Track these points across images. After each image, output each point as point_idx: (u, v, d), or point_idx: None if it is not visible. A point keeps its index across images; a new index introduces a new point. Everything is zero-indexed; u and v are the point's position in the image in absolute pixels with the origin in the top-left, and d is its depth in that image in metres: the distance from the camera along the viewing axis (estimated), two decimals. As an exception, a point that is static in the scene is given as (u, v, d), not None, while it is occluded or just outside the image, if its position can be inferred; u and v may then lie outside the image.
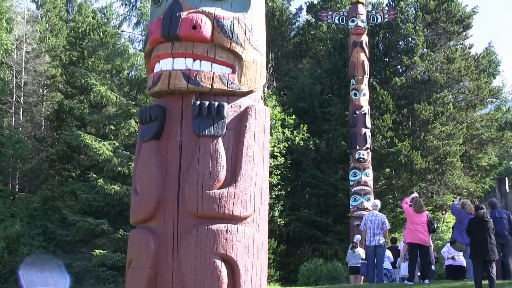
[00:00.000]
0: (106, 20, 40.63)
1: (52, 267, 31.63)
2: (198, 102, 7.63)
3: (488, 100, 42.68)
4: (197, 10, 7.80)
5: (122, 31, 40.14)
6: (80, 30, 41.59)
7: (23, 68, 41.95)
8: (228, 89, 7.80)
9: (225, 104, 7.70)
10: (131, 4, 39.42)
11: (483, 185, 42.18)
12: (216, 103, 7.64)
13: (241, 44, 7.84)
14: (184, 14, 7.72)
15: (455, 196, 33.56)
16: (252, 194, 7.59)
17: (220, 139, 7.57)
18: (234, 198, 7.44)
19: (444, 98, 38.81)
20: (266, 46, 8.68)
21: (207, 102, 7.62)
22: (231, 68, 7.85)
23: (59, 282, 30.94)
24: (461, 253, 19.96)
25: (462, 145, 38.33)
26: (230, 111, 7.77)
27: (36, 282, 30.01)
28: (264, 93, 34.40)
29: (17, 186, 40.80)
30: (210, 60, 7.76)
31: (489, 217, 15.78)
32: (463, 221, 17.59)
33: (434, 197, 39.30)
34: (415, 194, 19.64)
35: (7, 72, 40.86)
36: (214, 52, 7.77)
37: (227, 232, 7.36)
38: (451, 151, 36.99)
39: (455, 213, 19.35)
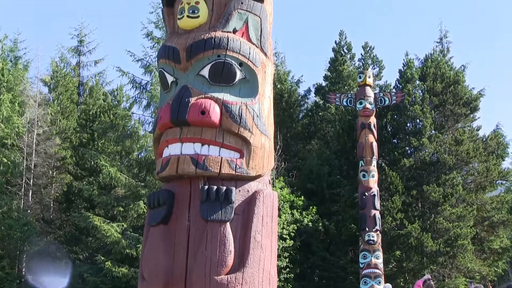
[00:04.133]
0: (116, 102, 41.16)
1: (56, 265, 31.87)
2: (206, 187, 7.66)
3: (497, 182, 42.47)
4: (205, 95, 7.94)
5: (132, 113, 40.54)
6: (90, 113, 42.13)
7: (34, 150, 42.26)
8: (236, 173, 7.84)
9: (233, 188, 7.73)
10: (141, 87, 39.92)
11: (495, 269, 41.53)
12: (224, 188, 7.66)
13: (249, 129, 7.93)
14: (193, 100, 7.85)
15: (468, 279, 33.02)
16: (260, 280, 7.52)
17: (228, 224, 7.56)
18: (242, 284, 7.36)
19: (453, 180, 38.70)
20: (274, 128, 8.78)
21: (215, 187, 7.65)
22: (239, 152, 7.92)
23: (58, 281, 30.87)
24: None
25: (473, 228, 37.96)
26: (238, 195, 7.79)
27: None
28: (272, 174, 34.44)
29: (23, 269, 40.41)
30: (218, 145, 7.84)
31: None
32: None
33: (446, 280, 38.64)
34: (427, 276, 19.39)
35: (18, 154, 41.14)
36: (223, 137, 7.86)
37: (234, 319, 7.26)
38: (462, 233, 36.63)
39: None
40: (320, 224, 37.90)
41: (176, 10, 8.67)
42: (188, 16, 8.42)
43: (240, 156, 7.90)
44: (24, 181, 41.85)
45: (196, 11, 8.39)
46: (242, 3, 8.46)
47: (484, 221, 40.57)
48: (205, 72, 8.09)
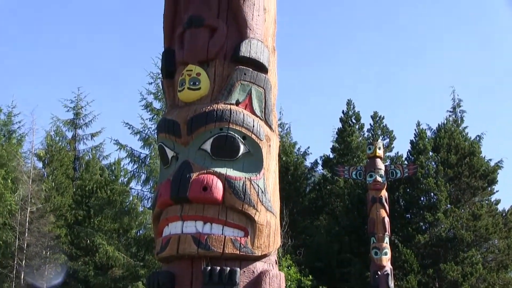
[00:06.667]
0: (114, 177, 41.30)
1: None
2: (208, 268, 7.56)
3: (521, 260, 42.03)
4: (207, 171, 7.91)
5: (131, 189, 40.68)
6: (86, 188, 42.16)
7: (27, 229, 42.03)
8: (241, 253, 7.75)
9: (238, 269, 7.63)
10: (140, 161, 40.17)
11: None
12: (228, 269, 7.56)
13: (254, 206, 7.87)
14: (194, 175, 7.82)
15: None
16: None
17: (232, 308, 7.43)
18: None
19: (472, 258, 38.33)
20: (280, 203, 8.71)
21: (218, 268, 7.55)
22: (243, 231, 7.84)
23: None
24: None
25: (496, 310, 37.44)
26: (243, 277, 7.69)
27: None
28: (279, 252, 34.19)
29: None
30: (221, 223, 7.77)
31: None
32: None
33: None
34: None
35: (10, 233, 40.93)
36: (226, 214, 7.79)
37: None
38: (484, 316, 36.11)
39: None
40: (330, 306, 37.44)
41: (177, 82, 8.71)
42: (189, 88, 8.46)
43: (244, 235, 7.83)
44: (16, 262, 41.47)
45: (197, 83, 8.44)
46: (245, 74, 8.50)
47: (507, 303, 39.98)
48: (207, 146, 8.09)
